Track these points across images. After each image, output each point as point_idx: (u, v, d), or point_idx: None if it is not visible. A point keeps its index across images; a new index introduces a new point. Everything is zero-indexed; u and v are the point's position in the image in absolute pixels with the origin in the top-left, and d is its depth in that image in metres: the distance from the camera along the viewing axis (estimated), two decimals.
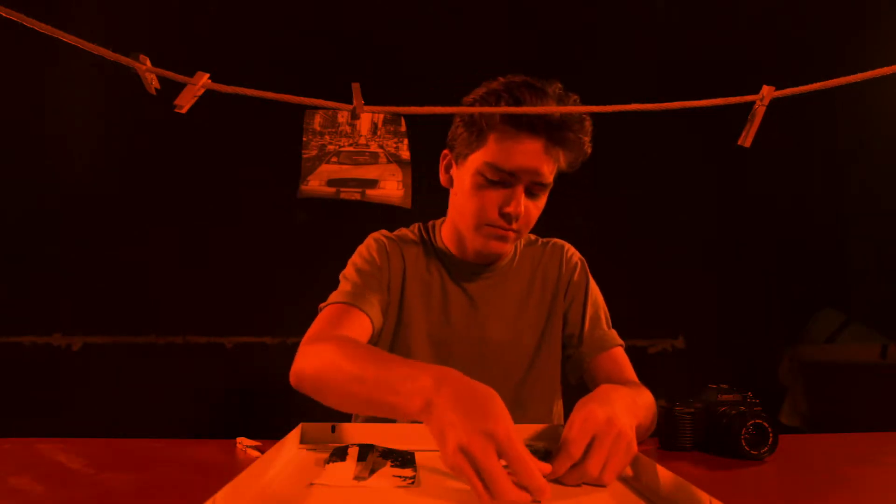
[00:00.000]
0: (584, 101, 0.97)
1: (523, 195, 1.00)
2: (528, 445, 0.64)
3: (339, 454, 0.77)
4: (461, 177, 1.05)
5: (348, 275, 1.09)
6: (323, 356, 0.86)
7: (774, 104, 0.59)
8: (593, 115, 1.00)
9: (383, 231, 1.18)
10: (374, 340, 1.07)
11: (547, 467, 0.63)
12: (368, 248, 1.13)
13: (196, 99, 0.55)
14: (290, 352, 0.92)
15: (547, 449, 0.79)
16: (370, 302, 1.04)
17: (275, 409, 1.57)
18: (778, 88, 0.59)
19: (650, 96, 0.61)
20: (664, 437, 0.92)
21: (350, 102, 0.57)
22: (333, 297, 1.04)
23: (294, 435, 0.84)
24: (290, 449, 0.82)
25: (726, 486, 0.74)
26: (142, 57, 0.53)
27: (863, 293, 2.40)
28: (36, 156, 2.19)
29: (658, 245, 2.30)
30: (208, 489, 0.52)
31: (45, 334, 2.15)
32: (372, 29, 2.27)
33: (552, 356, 1.14)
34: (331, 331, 0.97)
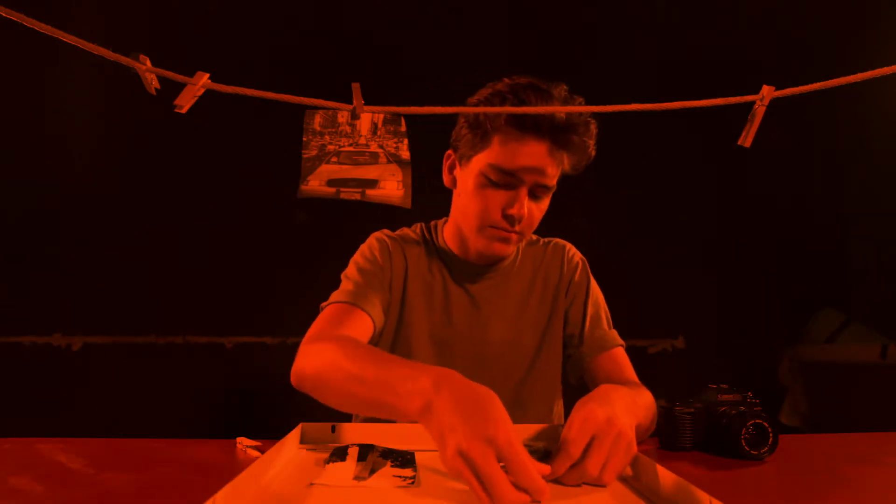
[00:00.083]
0: (585, 102, 0.97)
1: (527, 197, 1.00)
2: (527, 445, 0.64)
3: (339, 454, 0.77)
4: (465, 178, 1.05)
5: (350, 274, 1.09)
6: (323, 356, 0.86)
7: (774, 104, 0.59)
8: (594, 115, 1.00)
9: (385, 230, 1.17)
10: (376, 340, 1.06)
11: (546, 469, 0.63)
12: (370, 247, 1.13)
13: (196, 99, 0.55)
14: (290, 352, 0.92)
15: (547, 449, 0.79)
16: (372, 302, 1.04)
17: (275, 409, 1.57)
18: (778, 88, 0.59)
19: (650, 96, 0.61)
20: (664, 437, 0.92)
21: (350, 102, 0.57)
22: (335, 296, 1.04)
23: (294, 435, 0.84)
24: (290, 449, 0.82)
25: (726, 486, 0.74)
26: (142, 57, 0.53)
27: (863, 293, 2.40)
28: (36, 156, 2.19)
29: (658, 245, 2.30)
30: (208, 489, 0.52)
31: (45, 334, 2.15)
32: (372, 29, 2.27)
33: (553, 356, 1.14)
34: (332, 330, 0.97)
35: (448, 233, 1.15)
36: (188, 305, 2.18)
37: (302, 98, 0.58)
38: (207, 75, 0.55)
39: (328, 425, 0.87)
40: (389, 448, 0.81)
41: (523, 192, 0.99)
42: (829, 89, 0.58)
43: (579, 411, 0.71)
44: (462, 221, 1.08)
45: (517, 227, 1.01)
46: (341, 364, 0.81)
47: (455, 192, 1.11)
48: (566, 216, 1.17)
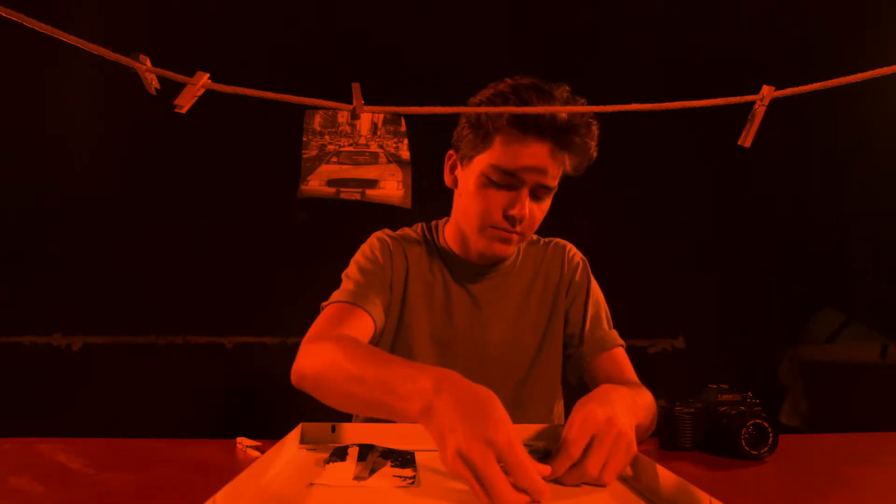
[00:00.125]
0: (587, 103, 0.97)
1: (528, 198, 1.00)
2: (527, 445, 0.64)
3: (339, 454, 0.77)
4: (466, 178, 1.05)
5: (351, 273, 1.09)
6: (324, 355, 0.86)
7: (774, 104, 0.59)
8: (594, 115, 1.00)
9: (386, 230, 1.17)
10: (376, 340, 1.06)
11: (546, 469, 0.63)
12: (371, 247, 1.13)
13: (196, 99, 0.55)
14: (290, 352, 0.92)
15: (547, 449, 0.79)
16: (372, 301, 1.04)
17: (275, 409, 1.57)
18: (778, 88, 0.59)
19: (650, 96, 0.61)
20: (664, 437, 0.92)
21: (350, 102, 0.57)
22: (336, 295, 1.04)
23: (294, 435, 0.84)
24: (290, 449, 0.82)
25: (726, 486, 0.74)
26: (142, 57, 0.53)
27: (863, 293, 2.40)
28: (36, 156, 2.19)
29: (658, 245, 2.30)
30: (208, 489, 0.52)
31: (45, 334, 2.15)
32: (372, 29, 2.27)
33: (553, 356, 1.14)
34: (332, 330, 0.97)
35: (449, 233, 1.15)
36: (188, 305, 2.18)
37: (302, 98, 0.58)
38: (207, 75, 0.55)
39: (328, 425, 0.87)
40: (389, 448, 0.81)
41: (525, 192, 0.99)
42: (829, 89, 0.58)
43: (579, 411, 0.71)
44: (463, 221, 1.08)
45: (518, 228, 1.01)
46: (341, 364, 0.81)
47: (456, 193, 1.11)
48: (566, 216, 1.17)
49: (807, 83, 0.59)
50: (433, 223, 1.20)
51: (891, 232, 2.30)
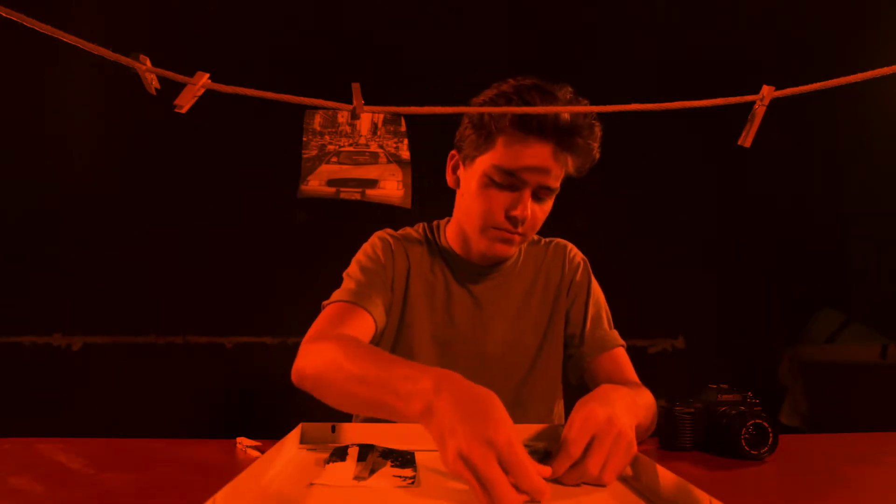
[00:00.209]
0: (589, 104, 0.97)
1: (530, 199, 1.00)
2: (527, 446, 0.64)
3: (339, 454, 0.77)
4: (468, 178, 1.05)
5: (352, 273, 1.08)
6: (324, 355, 0.86)
7: (774, 104, 0.59)
8: (597, 116, 1.00)
9: (388, 230, 1.17)
10: (377, 340, 1.06)
11: (547, 470, 0.63)
12: (373, 246, 1.13)
13: (196, 99, 0.55)
14: (291, 352, 0.92)
15: (547, 449, 0.79)
16: (374, 301, 1.04)
17: (275, 409, 1.57)
18: (778, 88, 0.59)
19: (650, 96, 0.61)
20: (664, 437, 0.92)
21: (350, 102, 0.57)
22: (337, 295, 1.04)
23: (294, 435, 0.84)
24: (290, 449, 0.82)
25: (726, 486, 0.74)
26: (142, 57, 0.53)
27: (863, 293, 2.40)
28: (36, 156, 2.19)
29: (658, 245, 2.30)
30: (208, 489, 0.52)
31: (45, 334, 2.15)
32: (372, 29, 2.27)
33: (554, 356, 1.14)
34: (333, 329, 0.97)
35: (451, 233, 1.15)
36: (188, 305, 2.18)
37: (302, 98, 0.58)
38: (207, 75, 0.55)
39: (328, 425, 0.87)
40: (389, 448, 0.81)
41: (527, 193, 0.99)
42: (829, 89, 0.58)
43: (579, 411, 0.71)
44: (465, 222, 1.08)
45: (520, 229, 1.01)
46: (342, 364, 0.81)
47: (458, 193, 1.11)
48: (566, 216, 1.17)
49: (807, 83, 0.59)
50: (435, 223, 1.20)
51: (891, 232, 2.30)
